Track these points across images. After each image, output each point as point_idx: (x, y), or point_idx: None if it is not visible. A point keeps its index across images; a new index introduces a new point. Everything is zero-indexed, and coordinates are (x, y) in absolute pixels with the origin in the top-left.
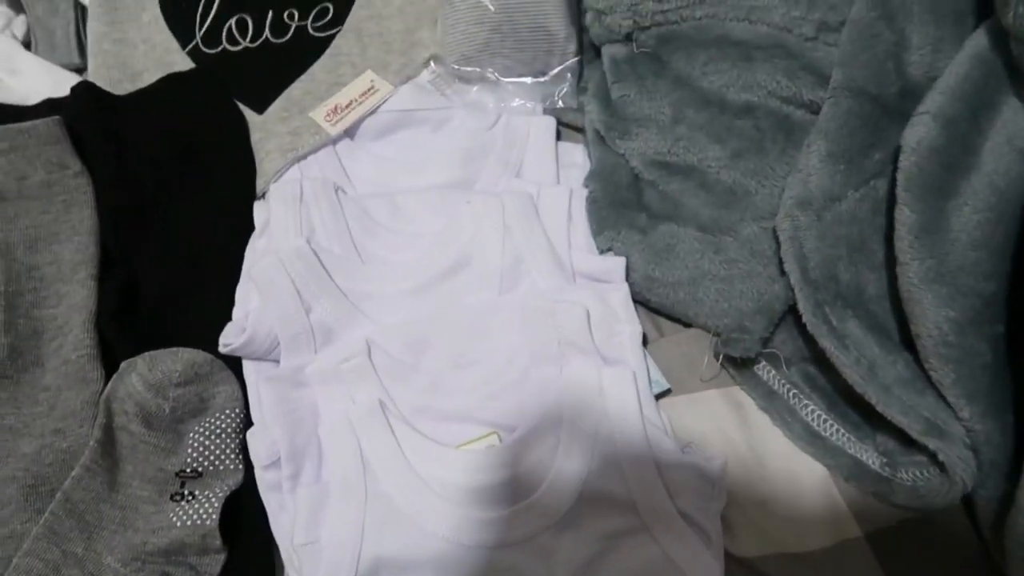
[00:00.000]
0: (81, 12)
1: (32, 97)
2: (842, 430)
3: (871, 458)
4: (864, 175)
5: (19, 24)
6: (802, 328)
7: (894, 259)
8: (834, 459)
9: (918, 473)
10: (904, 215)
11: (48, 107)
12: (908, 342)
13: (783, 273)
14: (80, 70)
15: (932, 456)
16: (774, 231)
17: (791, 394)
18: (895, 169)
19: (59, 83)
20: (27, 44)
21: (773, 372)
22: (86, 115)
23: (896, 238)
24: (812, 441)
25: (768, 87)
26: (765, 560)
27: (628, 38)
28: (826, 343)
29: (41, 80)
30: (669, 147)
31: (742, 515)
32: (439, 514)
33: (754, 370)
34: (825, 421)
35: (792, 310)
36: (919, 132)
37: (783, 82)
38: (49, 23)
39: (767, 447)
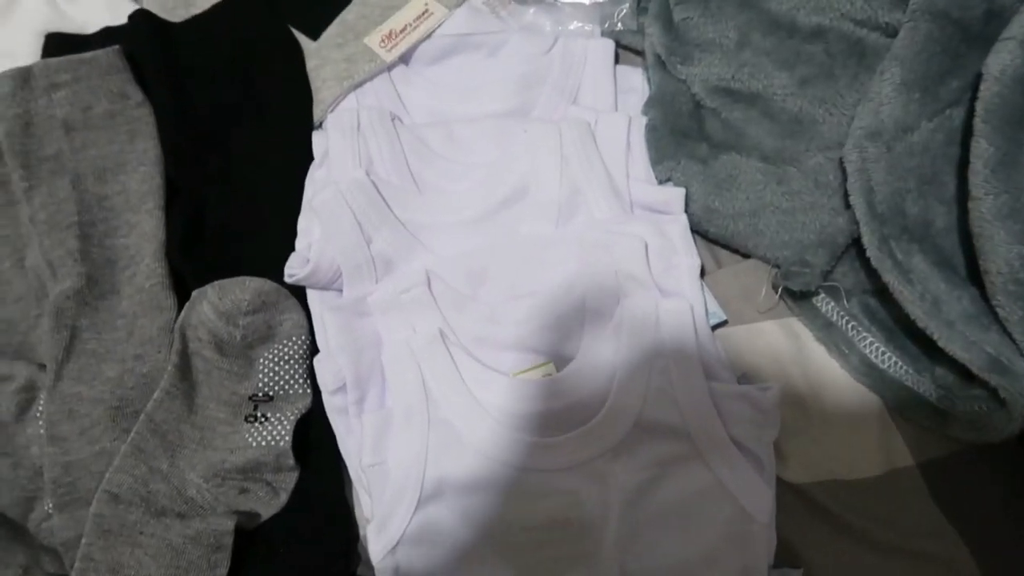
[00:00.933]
0: None
1: (90, 25)
2: (900, 362)
3: (928, 390)
4: (940, 104)
5: None
6: (864, 261)
7: (966, 193)
8: (891, 391)
9: (976, 407)
10: (981, 147)
11: (106, 36)
12: (975, 277)
13: (848, 206)
14: None
15: (992, 391)
16: (841, 162)
17: (850, 326)
18: (974, 98)
19: (116, 10)
20: None
21: (832, 304)
22: (144, 44)
23: (971, 171)
24: (869, 372)
25: (841, 8)
26: (816, 487)
27: None
28: (890, 278)
29: (98, 7)
30: (733, 73)
31: (795, 443)
32: (498, 439)
33: (813, 302)
34: (883, 353)
35: (855, 242)
36: (1003, 59)
37: (858, 2)
38: None
39: (823, 378)
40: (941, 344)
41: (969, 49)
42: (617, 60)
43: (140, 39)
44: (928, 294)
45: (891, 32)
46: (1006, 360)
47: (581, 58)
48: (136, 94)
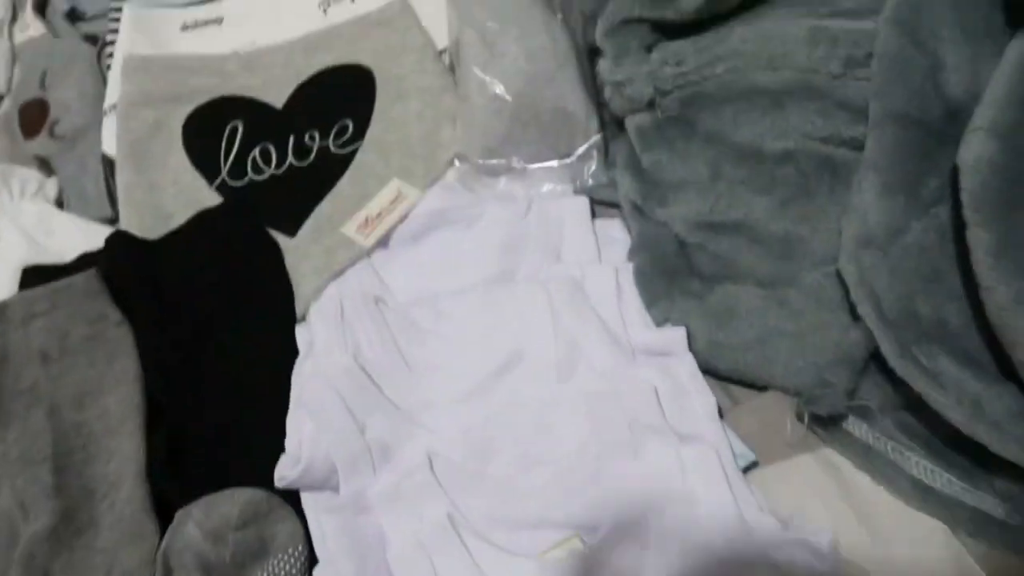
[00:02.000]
0: (109, 166)
1: (68, 255)
2: (954, 479)
3: (992, 506)
4: (924, 203)
5: (51, 185)
6: (888, 374)
7: (974, 286)
8: (951, 512)
9: None
10: (978, 236)
11: (84, 261)
12: (1009, 372)
13: (856, 318)
14: (113, 221)
15: None
16: (839, 275)
17: (890, 447)
18: (955, 192)
19: (93, 238)
20: (59, 203)
21: (866, 427)
22: (121, 264)
23: (974, 263)
24: (923, 496)
25: (803, 130)
26: None
27: (651, 105)
28: (920, 385)
29: (75, 237)
30: (711, 206)
31: None
32: None
33: (844, 427)
34: (933, 472)
35: (875, 356)
36: (975, 150)
37: (818, 123)
38: (80, 181)
39: (875, 508)
40: (994, 449)
41: (940, 146)
42: (594, 215)
43: (116, 259)
44: (965, 397)
45: (857, 145)
46: None
47: (558, 217)
48: (115, 314)
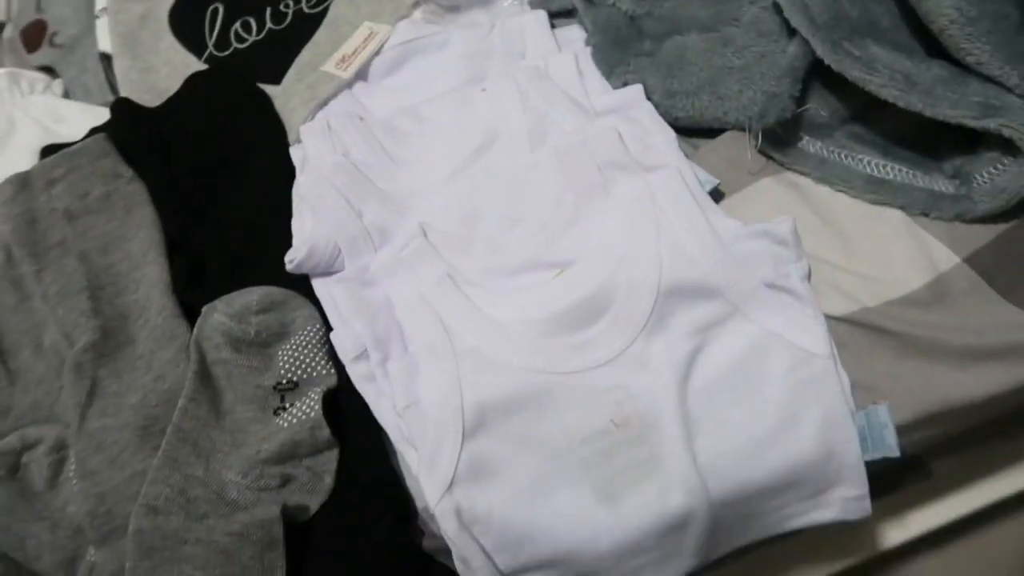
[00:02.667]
0: (107, 63)
1: (78, 136)
2: (904, 168)
3: (942, 184)
4: None
5: (57, 85)
6: (832, 86)
7: None
8: (907, 196)
9: (993, 169)
10: None
11: (93, 134)
12: (935, 53)
13: (793, 36)
14: None
15: (1003, 143)
16: (774, 5)
17: (843, 155)
18: None
19: (100, 120)
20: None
21: (820, 143)
22: (128, 127)
23: None
24: (878, 189)
25: None
26: (868, 313)
27: None
28: (855, 72)
29: (84, 120)
30: None
31: (830, 279)
32: (528, 349)
33: (799, 147)
34: (885, 166)
35: (817, 71)
36: None
37: None
38: (81, 79)
39: (836, 212)
40: (928, 112)
41: None
42: (552, 28)
43: (123, 123)
44: (897, 74)
45: None
46: (996, 100)
47: (519, 30)
48: (127, 172)
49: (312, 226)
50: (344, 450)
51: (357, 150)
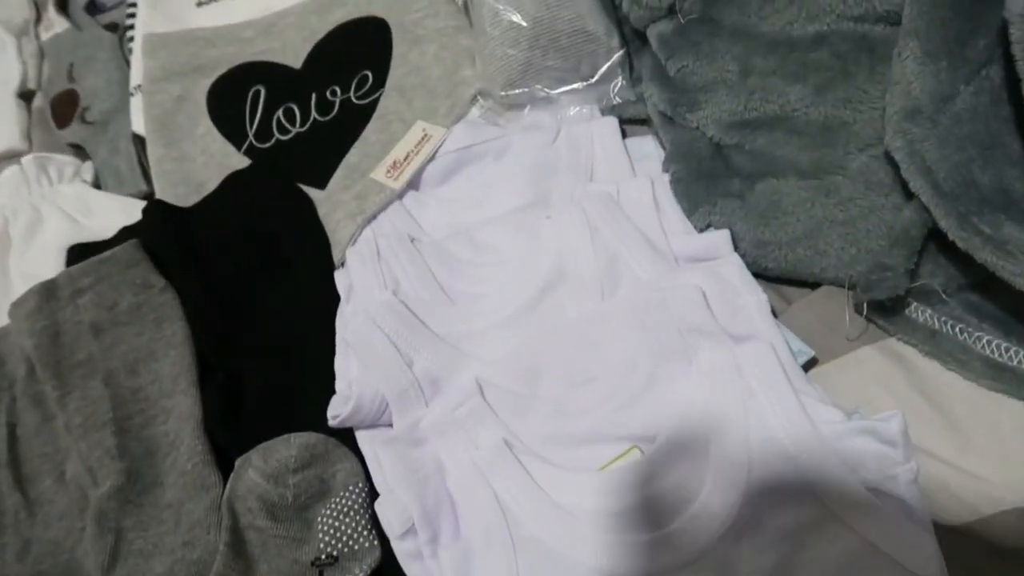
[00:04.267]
0: (140, 144)
1: (109, 232)
2: None
3: None
4: (971, 66)
5: (87, 169)
6: (950, 252)
7: None
8: None
9: None
10: None
11: (125, 234)
12: None
13: (910, 197)
14: (149, 196)
15: None
16: (886, 154)
17: (958, 329)
18: (1006, 48)
19: (131, 213)
20: (97, 186)
21: (930, 311)
22: (160, 232)
23: None
24: (999, 375)
25: (836, 10)
26: (983, 523)
27: (671, 11)
28: (985, 255)
29: (114, 214)
30: (744, 103)
31: (943, 478)
32: (596, 547)
33: (906, 314)
34: (1007, 349)
35: (933, 235)
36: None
37: (851, 2)
38: (113, 162)
39: (948, 395)
40: None
41: (982, 6)
42: (624, 135)
43: (155, 228)
44: None
45: (893, 20)
46: None
47: (588, 139)
48: (158, 281)
49: (358, 376)
50: None
51: (408, 283)
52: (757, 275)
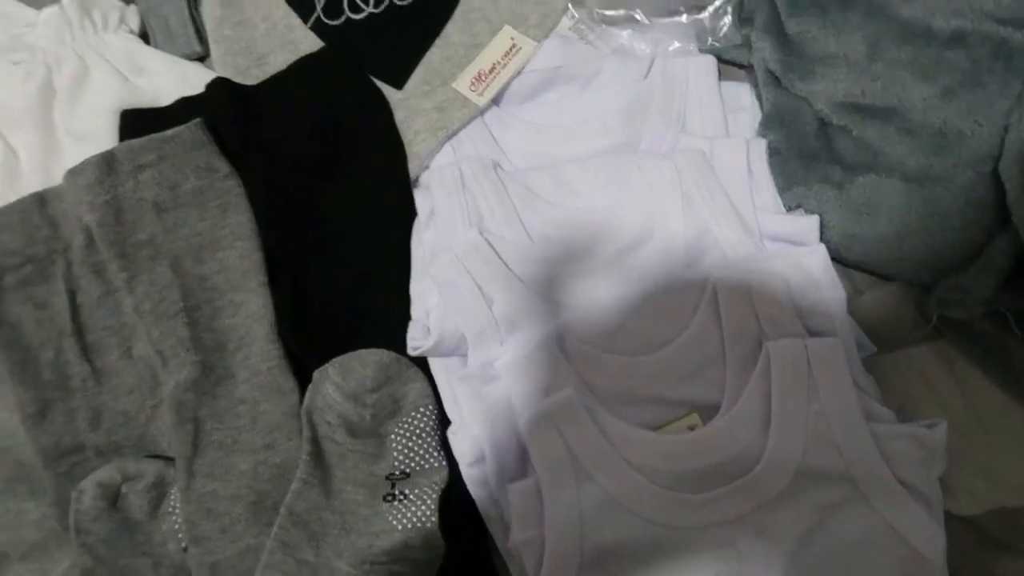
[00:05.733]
0: None
1: (161, 96)
2: None
3: None
4: None
5: (132, 15)
6: None
7: None
8: None
9: None
10: None
11: (184, 107)
12: None
13: (1007, 223)
14: (202, 58)
15: None
16: (994, 174)
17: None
18: None
19: (186, 77)
20: (143, 36)
21: (995, 329)
22: (225, 114)
23: None
24: None
25: (984, 8)
26: (985, 517)
27: None
28: None
29: (168, 76)
30: (864, 88)
31: (960, 474)
32: (654, 500)
33: (971, 328)
34: None
35: (1019, 263)
36: None
37: (1002, 2)
38: (161, 10)
39: (983, 403)
40: None
41: None
42: (719, 76)
43: (220, 109)
44: None
45: None
46: None
47: (683, 79)
48: (223, 166)
49: (438, 310)
50: (448, 542)
51: (492, 220)
52: (835, 260)
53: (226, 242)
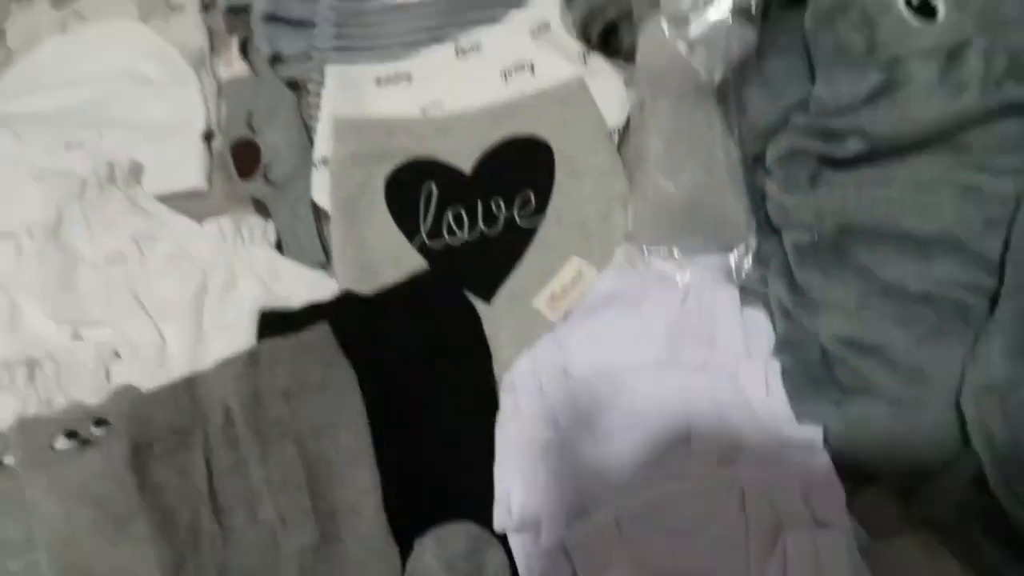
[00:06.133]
0: (318, 213)
1: (293, 299)
2: None
3: None
4: None
5: (270, 230)
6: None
7: None
8: None
9: None
10: None
11: (311, 312)
12: None
13: (967, 443)
14: (324, 266)
15: None
16: (958, 405)
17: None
18: None
19: (314, 285)
20: (278, 245)
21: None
22: (347, 321)
23: None
24: None
25: (946, 279)
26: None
27: (809, 227)
28: (1020, 513)
29: (298, 283)
30: (855, 330)
31: None
32: None
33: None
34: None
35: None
36: None
37: (959, 275)
38: (293, 227)
39: None
40: None
41: None
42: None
43: (343, 317)
44: None
45: (993, 296)
46: None
47: (711, 306)
48: (342, 362)
49: (520, 495)
50: None
51: (564, 420)
52: (833, 459)
53: (341, 423)
